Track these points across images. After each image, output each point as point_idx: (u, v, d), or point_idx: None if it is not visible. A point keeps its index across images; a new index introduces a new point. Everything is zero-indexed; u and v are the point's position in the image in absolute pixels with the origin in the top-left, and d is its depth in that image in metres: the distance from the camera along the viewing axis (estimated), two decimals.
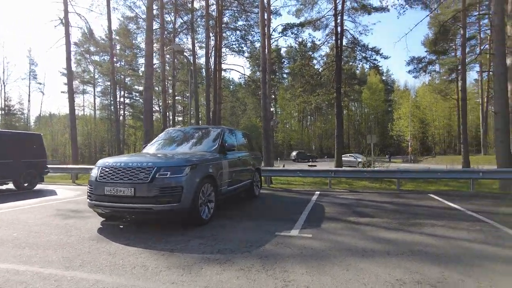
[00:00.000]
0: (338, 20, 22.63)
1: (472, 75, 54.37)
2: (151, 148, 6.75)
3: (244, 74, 35.66)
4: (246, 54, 28.00)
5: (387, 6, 22.72)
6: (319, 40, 57.04)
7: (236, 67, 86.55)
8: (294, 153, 50.18)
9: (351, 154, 34.82)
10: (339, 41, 22.58)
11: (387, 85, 72.58)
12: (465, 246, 4.11)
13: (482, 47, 34.55)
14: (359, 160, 31.68)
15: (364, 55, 25.03)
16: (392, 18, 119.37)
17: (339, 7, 22.58)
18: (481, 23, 36.32)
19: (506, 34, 11.61)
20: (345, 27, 23.09)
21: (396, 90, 71.78)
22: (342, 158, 32.46)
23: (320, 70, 29.03)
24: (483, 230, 4.92)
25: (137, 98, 52.34)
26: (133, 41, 33.80)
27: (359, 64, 32.77)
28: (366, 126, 69.91)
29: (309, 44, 28.34)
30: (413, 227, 5.11)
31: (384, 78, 73.63)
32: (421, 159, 44.58)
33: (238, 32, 26.77)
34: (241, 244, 4.18)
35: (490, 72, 36.85)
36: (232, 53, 30.37)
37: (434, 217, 5.88)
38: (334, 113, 25.79)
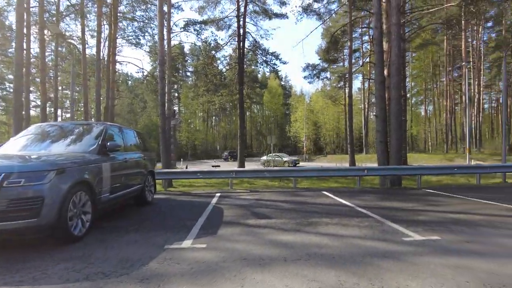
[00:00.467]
0: (241, 22, 22.86)
1: (356, 83, 62.07)
2: (10, 147, 5.35)
3: (143, 69, 33.36)
4: (146, 48, 26.17)
5: (286, 13, 23.95)
6: (222, 39, 57.32)
7: (135, 60, 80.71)
8: (225, 153, 50.89)
9: (276, 154, 35.11)
10: (241, 43, 22.80)
11: (286, 90, 77.46)
12: (358, 244, 4.17)
13: (364, 60, 39.42)
14: (285, 159, 32.73)
15: (264, 59, 25.89)
16: (291, 26, 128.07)
17: (242, 9, 22.82)
18: (363, 38, 41.58)
19: (386, 42, 13.15)
20: (247, 30, 23.45)
21: (293, 95, 77.01)
22: (268, 158, 33.22)
23: (223, 71, 28.97)
24: (371, 225, 5.17)
25: (11, 90, 44.24)
26: (5, 21, 28.26)
27: (260, 67, 33.95)
28: (267, 127, 73.34)
29: (212, 44, 28.01)
30: (309, 227, 5.08)
31: (283, 83, 78.34)
32: (314, 158, 48.66)
33: (136, 23, 24.80)
34: (120, 264, 3.43)
35: (371, 81, 42.38)
36: (130, 45, 28.06)
37: (328, 215, 6.04)
38: (238, 114, 26.04)
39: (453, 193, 9.07)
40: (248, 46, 24.65)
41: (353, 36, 33.87)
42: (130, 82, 64.00)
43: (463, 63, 39.36)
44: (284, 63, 26.10)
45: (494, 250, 3.82)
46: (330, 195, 8.98)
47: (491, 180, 12.36)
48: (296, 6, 40.50)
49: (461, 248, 3.92)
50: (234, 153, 50.02)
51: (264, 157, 34.31)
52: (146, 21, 23.99)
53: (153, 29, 24.55)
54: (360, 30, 37.36)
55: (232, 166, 22.22)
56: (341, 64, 39.10)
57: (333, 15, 26.19)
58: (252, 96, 59.32)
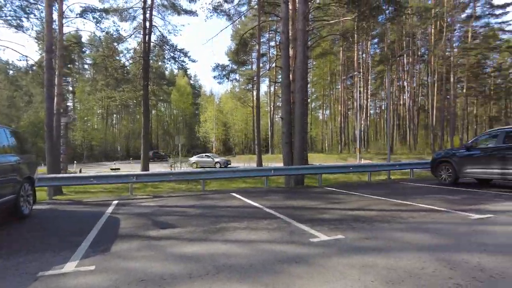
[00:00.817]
0: (147, 15, 21.38)
1: (263, 87, 64.54)
2: None
3: (26, 56, 28.58)
4: (32, 33, 22.33)
5: (196, 10, 23.32)
6: (126, 31, 53.18)
7: (17, 46, 69.27)
8: (150, 153, 46.17)
9: (207, 154, 33.31)
10: (147, 36, 21.33)
11: (195, 89, 76.22)
12: (267, 249, 3.99)
13: (271, 64, 41.14)
14: (216, 160, 30.80)
15: (172, 55, 24.76)
16: (202, 26, 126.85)
17: (149, 1, 21.37)
18: (270, 44, 43.44)
19: (291, 48, 13.68)
20: (154, 23, 22.10)
21: (203, 95, 76.29)
22: (197, 159, 31.20)
23: (126, 65, 26.76)
24: (279, 227, 5.09)
25: None
26: None
27: (168, 64, 32.46)
28: (175, 127, 70.89)
29: (114, 34, 25.58)
30: (217, 234, 4.74)
31: (192, 82, 76.95)
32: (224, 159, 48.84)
33: (16, 1, 20.99)
34: None
35: (277, 85, 44.47)
36: (9, 27, 23.67)
37: (237, 219, 5.80)
38: (142, 112, 24.30)
39: (350, 190, 9.85)
40: (155, 41, 23.27)
41: (261, 40, 35.06)
42: (12, 71, 54.60)
43: (355, 73, 44.38)
44: (193, 61, 25.45)
45: (389, 245, 4.06)
46: (239, 196, 8.82)
47: (379, 177, 13.94)
48: (206, 4, 40.03)
49: (363, 245, 4.07)
50: (157, 153, 47.23)
51: (193, 158, 32.19)
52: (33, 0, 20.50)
53: (41, 12, 21.14)
54: (267, 35, 38.96)
55: (152, 168, 20.54)
56: (250, 67, 40.19)
57: (243, 17, 26.61)
58: (158, 94, 56.56)
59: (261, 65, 33.41)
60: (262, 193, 9.52)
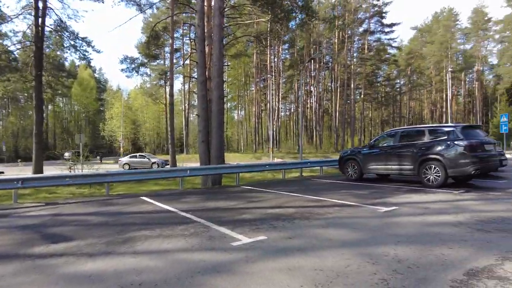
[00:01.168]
0: None
1: (177, 84, 62.35)
2: None
3: None
4: None
5: None
6: (11, 10, 45.35)
7: None
8: (67, 153, 39.56)
9: (141, 154, 29.59)
10: (40, 19, 18.37)
11: (100, 83, 69.73)
12: (184, 259, 3.51)
13: (185, 60, 39.84)
14: (154, 160, 27.14)
15: (73, 43, 21.90)
16: (109, 15, 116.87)
17: None
18: (185, 40, 42.07)
19: (206, 46, 13.21)
20: (49, 5, 19.17)
21: (109, 90, 70.30)
22: (129, 159, 27.43)
23: (12, 50, 22.79)
24: (197, 232, 4.63)
25: None
26: None
27: (68, 53, 28.74)
28: (76, 125, 63.72)
29: None
30: (125, 246, 4.06)
31: (97, 75, 70.22)
32: None
33: None
34: None
35: (192, 82, 43.32)
36: None
37: (149, 226, 5.13)
38: (34, 107, 20.92)
39: (267, 188, 9.85)
40: (51, 25, 20.28)
41: (175, 35, 33.64)
42: None
43: (268, 76, 45.95)
44: (98, 51, 22.67)
45: (313, 244, 3.96)
46: (150, 200, 8.01)
47: (292, 175, 14.43)
48: None
49: (287, 246, 3.89)
50: (100, 153, 41.63)
51: (124, 158, 28.84)
52: None
53: None
54: (182, 30, 37.61)
55: (48, 170, 17.45)
56: (162, 62, 38.23)
57: (155, 10, 25.07)
58: (56, 87, 50.00)
59: (174, 60, 32.07)
60: (177, 196, 8.85)
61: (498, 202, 6.39)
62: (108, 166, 29.27)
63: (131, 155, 30.10)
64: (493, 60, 63.55)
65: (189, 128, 50.70)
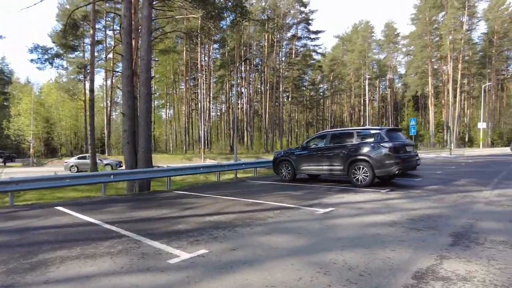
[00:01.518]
0: None
1: (98, 79, 57.36)
2: None
3: None
4: None
5: None
6: None
7: None
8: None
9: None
10: None
11: (4, 75, 60.84)
12: (113, 285, 2.94)
13: (108, 54, 36.75)
14: (106, 162, 22.88)
15: None
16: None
17: None
18: (107, 32, 38.80)
19: (132, 39, 12.16)
20: None
21: (16, 83, 61.83)
22: (77, 161, 23.95)
23: None
24: (126, 249, 4.01)
25: None
26: None
27: None
28: None
29: None
30: (33, 273, 3.28)
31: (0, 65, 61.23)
32: (46, 162, 40.58)
33: None
34: None
35: (115, 78, 40.12)
36: None
37: (65, 244, 4.32)
38: None
39: (202, 192, 9.36)
40: None
41: (98, 27, 30.80)
42: None
43: (199, 75, 45.00)
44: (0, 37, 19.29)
45: (259, 254, 3.69)
46: (67, 210, 6.93)
47: (226, 176, 14.07)
48: None
49: (231, 259, 3.55)
50: (2, 154, 35.36)
51: (72, 160, 25.06)
52: None
53: None
54: (104, 21, 34.57)
55: None
56: (81, 54, 34.61)
57: None
58: None
59: (96, 53, 29.29)
60: (100, 204, 7.84)
61: (420, 200, 6.92)
62: (15, 170, 25.45)
63: (79, 156, 26.77)
64: (402, 70, 71.76)
65: (111, 127, 46.95)
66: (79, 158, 25.51)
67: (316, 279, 2.96)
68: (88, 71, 25.26)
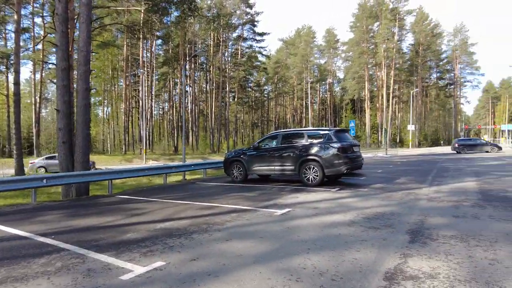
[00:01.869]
0: None
1: (25, 72, 51.56)
2: None
3: None
4: None
5: None
6: None
7: None
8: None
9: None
10: None
11: None
12: None
13: (36, 45, 33.15)
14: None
15: None
16: None
17: None
18: (35, 20, 34.99)
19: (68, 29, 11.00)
20: None
21: None
22: (47, 161, 21.14)
23: None
24: (67, 266, 3.45)
25: None
26: None
27: None
28: None
29: None
30: None
31: None
32: None
33: None
34: None
35: (46, 71, 36.41)
36: None
37: None
38: None
39: (148, 196, 8.74)
40: None
41: (23, 13, 27.54)
42: None
43: (140, 71, 42.79)
44: None
45: (223, 264, 3.41)
46: None
47: (173, 178, 13.39)
48: None
49: (194, 271, 3.22)
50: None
51: (39, 160, 22.00)
52: None
53: None
54: (31, 7, 31.04)
55: None
56: (2, 43, 30.64)
57: None
58: None
59: (22, 43, 26.21)
60: (30, 213, 6.85)
61: (370, 198, 7.17)
62: None
63: (48, 155, 23.45)
64: (341, 75, 76.00)
65: (40, 126, 42.48)
66: (47, 158, 22.52)
67: (289, 287, 2.78)
68: (12, 62, 22.43)
